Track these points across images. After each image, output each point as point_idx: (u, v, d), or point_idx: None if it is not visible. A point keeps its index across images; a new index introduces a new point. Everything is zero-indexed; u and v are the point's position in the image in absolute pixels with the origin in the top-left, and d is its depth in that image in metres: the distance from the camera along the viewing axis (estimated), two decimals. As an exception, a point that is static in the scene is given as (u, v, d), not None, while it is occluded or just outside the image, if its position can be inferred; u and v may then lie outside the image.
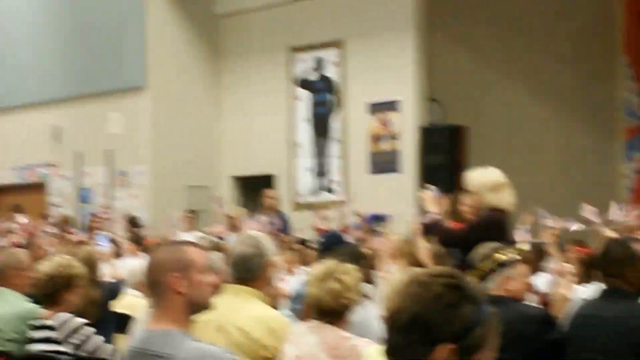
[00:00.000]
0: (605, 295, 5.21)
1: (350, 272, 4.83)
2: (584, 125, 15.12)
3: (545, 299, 7.00)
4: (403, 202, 13.16)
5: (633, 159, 15.38)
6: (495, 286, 5.20)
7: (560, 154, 14.80)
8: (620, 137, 15.45)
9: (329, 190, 14.89)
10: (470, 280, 4.76)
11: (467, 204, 7.90)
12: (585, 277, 7.24)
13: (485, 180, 7.08)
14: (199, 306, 3.56)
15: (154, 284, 3.58)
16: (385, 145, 14.26)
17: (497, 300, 5.04)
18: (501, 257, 5.27)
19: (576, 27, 14.99)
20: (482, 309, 2.50)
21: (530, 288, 6.34)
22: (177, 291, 3.51)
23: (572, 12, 14.97)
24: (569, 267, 6.99)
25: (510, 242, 6.41)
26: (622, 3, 15.45)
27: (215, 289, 3.78)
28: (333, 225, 11.31)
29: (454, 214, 8.74)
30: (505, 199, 7.07)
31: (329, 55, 14.90)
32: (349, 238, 10.33)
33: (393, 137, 14.15)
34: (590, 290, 6.08)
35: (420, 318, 2.43)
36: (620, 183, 15.26)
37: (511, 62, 14.57)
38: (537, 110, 14.74)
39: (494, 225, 6.80)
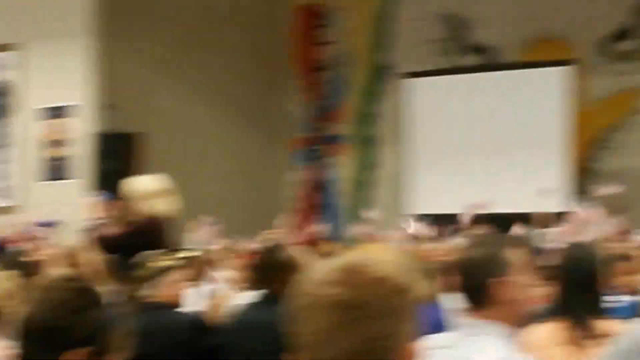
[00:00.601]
0: (261, 300, 5.37)
1: (5, 279, 4.75)
2: (254, 134, 15.50)
3: (209, 305, 7.12)
4: (76, 208, 12.98)
5: (298, 169, 15.96)
6: (152, 292, 5.24)
7: (231, 163, 15.09)
8: (288, 147, 15.98)
9: (1, 196, 14.48)
10: (129, 286, 4.78)
11: (130, 210, 7.91)
12: (251, 283, 7.41)
13: (146, 187, 7.13)
14: None
15: None
16: (59, 151, 14.02)
17: (153, 307, 5.10)
18: (159, 263, 5.32)
19: (247, 39, 15.36)
20: (112, 313, 2.54)
21: (190, 294, 6.42)
22: None
23: (244, 23, 15.31)
24: (233, 274, 7.16)
25: (171, 249, 6.48)
26: (289, 17, 16.00)
27: None
28: (3, 232, 11.02)
29: (125, 220, 8.73)
30: (167, 205, 7.14)
31: (5, 58, 14.49)
32: (18, 245, 10.09)
33: (68, 143, 13.94)
34: (252, 296, 6.23)
35: (49, 323, 2.44)
36: (286, 192, 15.79)
37: (186, 71, 14.69)
38: (211, 119, 14.95)
39: (152, 232, 6.86)
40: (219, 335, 5.35)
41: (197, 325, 5.33)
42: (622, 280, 6.67)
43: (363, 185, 15.51)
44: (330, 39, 15.91)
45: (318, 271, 2.04)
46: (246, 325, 5.23)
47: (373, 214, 11.23)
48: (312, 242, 9.82)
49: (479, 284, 3.33)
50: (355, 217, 14.29)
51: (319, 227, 11.90)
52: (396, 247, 8.10)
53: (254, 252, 8.92)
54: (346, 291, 1.96)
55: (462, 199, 13.02)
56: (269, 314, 5.14)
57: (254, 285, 6.11)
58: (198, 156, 14.57)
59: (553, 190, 12.50)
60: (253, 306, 5.40)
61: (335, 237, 12.27)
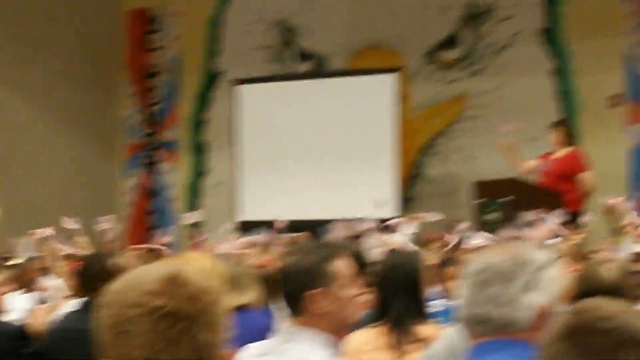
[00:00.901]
0: (82, 308, 5.31)
1: None
2: (86, 141, 15.24)
3: (34, 313, 6.98)
4: None
5: (132, 175, 15.80)
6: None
7: (63, 170, 14.78)
8: (121, 153, 15.81)
9: None
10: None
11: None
12: (76, 290, 7.31)
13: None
14: None
15: None
16: None
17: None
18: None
19: (81, 43, 15.11)
20: None
21: (15, 302, 6.31)
22: None
23: (77, 27, 15.06)
24: (61, 281, 7.05)
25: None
26: (124, 22, 15.85)
27: None
28: None
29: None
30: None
31: None
32: None
33: None
34: (75, 304, 6.15)
35: None
36: (120, 199, 15.62)
37: (14, 73, 14.30)
38: (41, 124, 14.61)
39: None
40: (39, 344, 5.27)
41: (16, 333, 5.24)
42: (444, 284, 6.86)
43: (195, 192, 15.46)
44: (162, 44, 15.81)
45: (137, 281, 2.05)
46: (66, 334, 5.17)
47: (199, 219, 11.19)
48: (149, 249, 9.73)
49: (298, 293, 3.37)
50: (186, 224, 14.23)
51: (157, 234, 11.79)
52: (223, 254, 8.11)
53: (80, 259, 8.79)
54: (168, 302, 1.98)
55: (291, 206, 13.12)
56: (90, 322, 5.08)
57: (78, 293, 6.04)
58: (28, 161, 14.19)
59: (382, 198, 12.67)
60: (74, 314, 5.34)
61: (166, 244, 12.18)
